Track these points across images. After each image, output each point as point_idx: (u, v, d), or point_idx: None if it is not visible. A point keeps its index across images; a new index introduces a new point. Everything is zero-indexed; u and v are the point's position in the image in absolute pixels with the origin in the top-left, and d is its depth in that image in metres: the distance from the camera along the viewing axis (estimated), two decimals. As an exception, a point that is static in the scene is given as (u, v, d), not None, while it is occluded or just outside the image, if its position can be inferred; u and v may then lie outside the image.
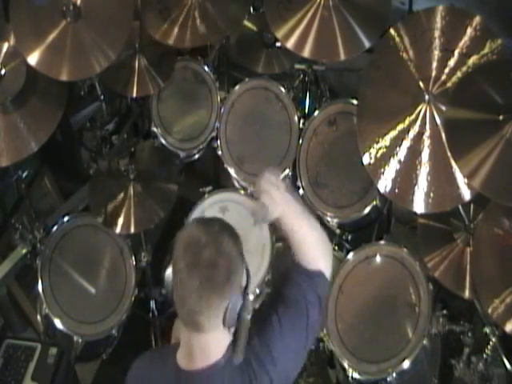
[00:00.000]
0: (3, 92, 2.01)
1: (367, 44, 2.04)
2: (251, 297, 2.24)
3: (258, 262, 2.26)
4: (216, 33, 2.25)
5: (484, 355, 1.98)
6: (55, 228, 2.41)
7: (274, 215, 1.53)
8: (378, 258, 2.09)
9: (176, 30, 2.23)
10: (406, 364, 1.94)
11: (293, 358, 1.44)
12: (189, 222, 1.34)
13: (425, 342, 1.94)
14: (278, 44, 2.56)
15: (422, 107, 1.78)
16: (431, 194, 1.75)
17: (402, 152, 1.79)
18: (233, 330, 1.38)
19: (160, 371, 1.45)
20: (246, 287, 1.37)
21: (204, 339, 1.35)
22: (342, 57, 2.06)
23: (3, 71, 2.01)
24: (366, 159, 1.85)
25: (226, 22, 2.23)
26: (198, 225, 1.37)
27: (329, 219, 2.32)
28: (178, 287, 1.32)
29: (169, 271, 1.36)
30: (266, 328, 1.42)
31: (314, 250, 1.54)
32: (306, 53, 2.09)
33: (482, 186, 1.59)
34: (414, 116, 1.79)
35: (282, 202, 1.52)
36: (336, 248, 2.42)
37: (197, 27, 2.22)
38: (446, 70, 1.76)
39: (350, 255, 2.13)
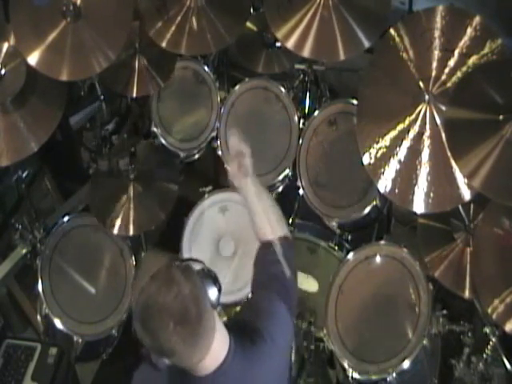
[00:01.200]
0: (3, 92, 2.01)
1: (367, 44, 2.04)
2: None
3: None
4: (214, 41, 2.23)
5: (484, 355, 1.98)
6: (55, 228, 2.42)
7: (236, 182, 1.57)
8: (378, 258, 2.09)
9: (171, 31, 2.22)
10: (406, 364, 1.94)
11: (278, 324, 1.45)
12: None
13: (425, 342, 1.94)
14: (278, 44, 2.55)
15: (422, 107, 1.78)
16: (431, 194, 1.74)
17: (401, 152, 1.79)
18: (218, 309, 1.36)
19: (168, 379, 1.41)
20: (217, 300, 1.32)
21: (207, 355, 1.31)
22: (342, 57, 2.06)
23: (3, 71, 2.01)
24: (366, 159, 1.85)
25: (225, 30, 2.22)
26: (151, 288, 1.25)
27: (329, 219, 2.32)
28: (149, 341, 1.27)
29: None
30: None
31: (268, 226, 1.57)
32: (306, 53, 2.09)
33: (482, 186, 1.59)
34: (413, 116, 1.79)
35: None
36: (336, 248, 2.42)
37: (194, 34, 2.21)
38: (446, 70, 1.76)
39: (350, 255, 2.13)
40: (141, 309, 1.25)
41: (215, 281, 1.32)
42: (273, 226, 1.58)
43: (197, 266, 1.32)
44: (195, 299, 1.24)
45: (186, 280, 1.24)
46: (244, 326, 1.41)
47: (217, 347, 1.32)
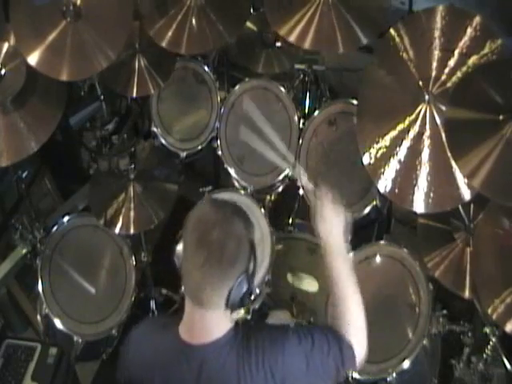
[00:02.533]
0: (3, 92, 2.01)
1: (365, 40, 2.05)
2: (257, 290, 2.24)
3: (258, 262, 2.26)
4: (214, 40, 2.23)
5: (484, 355, 1.98)
6: (55, 228, 2.42)
7: (317, 228, 1.57)
8: (378, 258, 2.09)
9: (171, 31, 2.22)
10: (406, 364, 1.94)
11: None
12: (203, 200, 1.37)
13: (425, 341, 1.94)
14: (278, 44, 2.56)
15: (422, 107, 1.78)
16: (431, 194, 1.74)
17: (402, 152, 1.79)
18: (235, 315, 1.40)
19: (161, 339, 1.46)
20: (253, 274, 1.38)
21: (205, 316, 1.37)
22: (341, 49, 2.06)
23: (3, 71, 2.01)
24: (366, 159, 1.85)
25: (225, 29, 2.21)
26: (211, 204, 1.40)
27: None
28: (185, 261, 1.35)
29: (180, 246, 1.40)
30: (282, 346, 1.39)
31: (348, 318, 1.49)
32: (307, 44, 2.09)
33: (482, 186, 1.59)
34: (413, 116, 1.79)
35: (330, 221, 1.56)
36: (336, 248, 2.42)
37: (194, 34, 2.21)
38: (446, 70, 1.76)
39: (350, 255, 2.13)
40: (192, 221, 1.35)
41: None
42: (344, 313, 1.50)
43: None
44: (239, 244, 1.32)
45: (243, 228, 1.35)
46: (260, 339, 1.41)
47: (217, 320, 1.37)
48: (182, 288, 1.40)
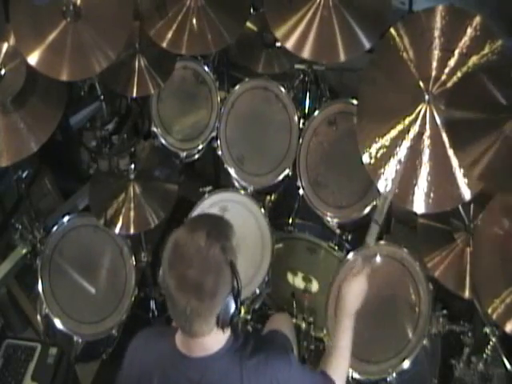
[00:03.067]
0: (3, 92, 2.01)
1: (367, 44, 2.04)
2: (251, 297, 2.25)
3: (258, 262, 2.27)
4: (214, 40, 2.22)
5: (484, 355, 1.98)
6: (55, 228, 2.42)
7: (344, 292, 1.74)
8: (378, 258, 2.09)
9: (171, 31, 2.21)
10: (406, 364, 1.94)
11: None
12: (177, 230, 1.37)
13: (425, 341, 1.94)
14: (278, 44, 2.55)
15: (422, 107, 1.77)
16: (431, 194, 1.74)
17: (402, 152, 1.79)
18: (228, 331, 1.42)
19: (158, 347, 1.48)
20: (238, 290, 1.38)
21: (198, 341, 1.40)
22: (342, 58, 2.06)
23: (3, 71, 2.01)
24: (366, 159, 1.85)
25: (225, 30, 2.21)
26: (184, 234, 1.37)
27: (329, 219, 2.32)
28: (168, 299, 1.37)
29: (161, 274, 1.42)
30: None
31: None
32: (306, 54, 2.09)
33: (480, 177, 1.59)
34: (413, 116, 1.78)
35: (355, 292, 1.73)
36: (336, 248, 2.42)
37: (194, 34, 2.21)
38: (446, 70, 1.76)
39: (350, 255, 2.13)
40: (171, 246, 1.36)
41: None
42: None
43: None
44: (218, 274, 1.33)
45: (220, 252, 1.35)
46: (258, 346, 1.45)
47: (212, 339, 1.40)
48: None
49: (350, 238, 2.43)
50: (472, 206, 1.91)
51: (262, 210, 2.37)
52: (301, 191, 2.37)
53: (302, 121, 2.41)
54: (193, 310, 1.32)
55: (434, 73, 1.77)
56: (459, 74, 1.74)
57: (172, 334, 1.46)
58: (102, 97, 2.42)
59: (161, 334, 1.54)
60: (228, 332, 1.43)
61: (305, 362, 2.31)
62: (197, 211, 2.39)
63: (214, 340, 1.41)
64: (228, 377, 1.40)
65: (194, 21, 2.22)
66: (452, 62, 1.75)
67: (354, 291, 1.74)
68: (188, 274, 1.30)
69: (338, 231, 2.40)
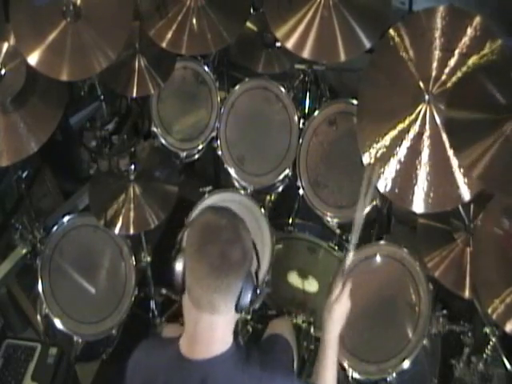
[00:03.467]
0: (3, 92, 2.01)
1: (367, 44, 2.04)
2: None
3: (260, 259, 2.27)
4: (214, 40, 2.22)
5: (484, 355, 1.98)
6: (55, 228, 2.42)
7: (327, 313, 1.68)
8: (378, 258, 2.09)
9: (171, 31, 2.21)
10: (406, 364, 1.94)
11: None
12: (200, 210, 1.39)
13: (425, 341, 1.94)
14: (278, 44, 2.55)
15: (422, 107, 1.77)
16: (431, 194, 1.74)
17: (402, 152, 1.79)
18: (231, 338, 1.41)
19: (161, 357, 1.47)
20: (257, 273, 1.40)
21: (212, 323, 1.37)
22: (343, 58, 2.06)
23: (3, 71, 2.01)
24: (366, 159, 1.85)
25: (225, 30, 2.21)
26: (212, 211, 1.41)
27: (329, 219, 2.32)
28: (193, 269, 1.34)
29: (179, 263, 1.41)
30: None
31: None
32: (306, 53, 2.09)
33: (480, 178, 1.59)
34: (413, 116, 1.78)
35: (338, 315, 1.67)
36: (336, 248, 2.42)
37: (194, 34, 2.21)
38: (446, 70, 1.76)
39: (350, 255, 2.13)
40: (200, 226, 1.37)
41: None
42: None
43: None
44: (244, 249, 1.35)
45: (246, 229, 1.37)
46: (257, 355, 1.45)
47: (224, 329, 1.39)
48: (186, 297, 1.39)
49: (350, 237, 2.43)
50: (472, 206, 1.91)
51: (262, 209, 2.36)
52: (301, 191, 2.37)
53: (301, 121, 2.41)
54: (216, 282, 1.32)
55: (434, 73, 1.77)
56: (459, 74, 1.74)
57: (175, 342, 1.45)
58: (102, 97, 2.42)
59: (162, 344, 1.54)
60: (231, 339, 1.42)
61: (304, 363, 2.31)
62: (197, 211, 2.39)
63: (224, 330, 1.39)
64: (232, 380, 1.40)
65: (194, 21, 2.21)
66: (452, 62, 1.75)
67: (337, 317, 1.68)
68: (222, 232, 1.33)
69: (337, 231, 2.41)
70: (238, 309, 1.37)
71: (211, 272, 1.31)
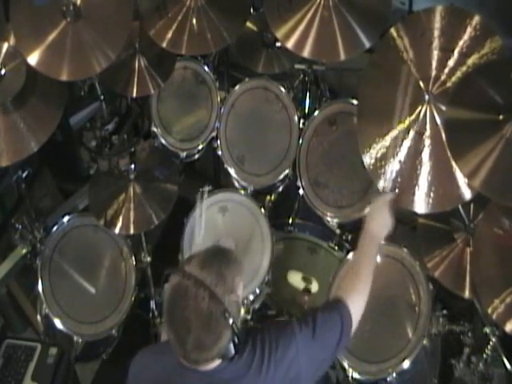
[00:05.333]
0: (3, 92, 2.00)
1: (367, 44, 2.04)
2: (251, 297, 2.25)
3: (258, 262, 2.27)
4: (214, 40, 2.22)
5: (484, 355, 1.98)
6: (55, 228, 2.42)
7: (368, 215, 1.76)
8: (378, 258, 2.09)
9: (171, 31, 2.21)
10: (406, 364, 1.94)
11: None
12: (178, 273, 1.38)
13: (425, 341, 1.94)
14: (278, 44, 2.55)
15: (422, 107, 1.78)
16: (431, 194, 1.75)
17: (402, 152, 1.80)
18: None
19: (162, 365, 1.47)
20: (237, 333, 1.37)
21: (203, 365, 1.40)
22: (342, 57, 2.06)
23: (3, 71, 2.01)
24: (367, 159, 1.85)
25: (225, 30, 2.20)
26: (186, 286, 1.33)
27: (329, 219, 2.32)
28: (171, 343, 1.37)
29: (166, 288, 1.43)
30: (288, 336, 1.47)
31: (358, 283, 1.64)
32: (306, 53, 2.09)
33: (481, 186, 1.59)
34: (414, 116, 1.79)
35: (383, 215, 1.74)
36: (336, 248, 2.42)
37: (194, 34, 2.21)
38: (446, 70, 1.76)
39: (350, 255, 2.13)
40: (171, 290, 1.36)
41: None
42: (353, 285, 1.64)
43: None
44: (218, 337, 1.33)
45: (214, 302, 1.32)
46: (261, 344, 1.46)
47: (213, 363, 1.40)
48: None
49: (350, 237, 2.43)
50: (472, 205, 1.91)
51: (262, 209, 2.37)
52: (301, 191, 2.37)
53: (302, 121, 2.41)
54: (192, 359, 1.36)
55: (433, 73, 1.77)
56: (459, 74, 1.74)
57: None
58: (102, 97, 2.42)
59: (163, 350, 1.53)
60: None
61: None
62: (197, 211, 2.40)
63: (216, 361, 1.41)
64: (239, 380, 1.41)
65: (194, 21, 2.21)
66: (452, 62, 1.75)
67: (384, 215, 1.74)
68: (188, 339, 1.32)
69: (338, 231, 2.41)
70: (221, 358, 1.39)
71: (185, 352, 1.34)
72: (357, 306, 1.58)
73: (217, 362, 1.40)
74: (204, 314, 1.30)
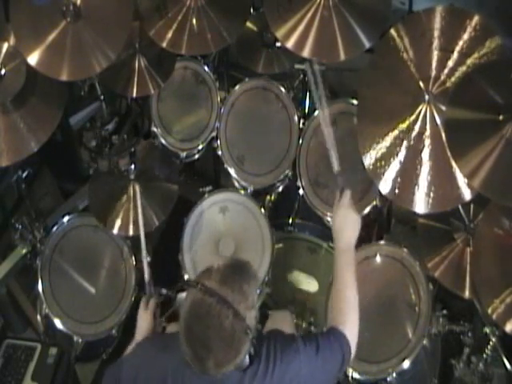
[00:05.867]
0: (3, 92, 2.00)
1: (367, 44, 2.04)
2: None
3: (258, 262, 2.27)
4: (214, 40, 2.22)
5: (484, 355, 1.98)
6: (55, 228, 2.42)
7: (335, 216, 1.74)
8: (378, 258, 2.09)
9: (171, 31, 2.20)
10: (406, 364, 1.94)
11: None
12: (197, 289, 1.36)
13: (425, 342, 1.94)
14: (278, 44, 2.55)
15: (422, 107, 1.78)
16: (431, 194, 1.75)
17: (402, 152, 1.79)
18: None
19: (166, 361, 1.47)
20: (256, 346, 1.38)
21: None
22: (342, 57, 2.06)
23: (3, 71, 2.01)
24: (367, 159, 1.85)
25: (225, 30, 2.20)
26: (207, 303, 1.32)
27: (329, 219, 2.32)
28: (183, 344, 1.36)
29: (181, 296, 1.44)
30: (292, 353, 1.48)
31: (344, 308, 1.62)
32: (306, 53, 2.09)
33: (481, 186, 1.59)
34: (414, 116, 1.79)
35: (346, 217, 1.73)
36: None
37: (194, 34, 2.20)
38: (446, 70, 1.76)
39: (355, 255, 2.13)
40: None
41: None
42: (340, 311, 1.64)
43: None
44: (237, 352, 1.34)
45: (235, 319, 1.31)
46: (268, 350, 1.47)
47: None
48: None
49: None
50: (472, 206, 1.91)
51: (262, 209, 2.37)
52: (301, 191, 2.37)
53: (301, 121, 2.41)
54: (208, 373, 1.35)
55: (433, 73, 1.77)
56: (459, 74, 1.74)
57: (177, 345, 1.42)
58: (102, 97, 2.42)
59: (164, 347, 1.53)
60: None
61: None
62: (197, 211, 2.40)
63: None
64: None
65: (194, 21, 2.21)
66: (452, 62, 1.75)
67: (349, 220, 1.71)
68: (209, 358, 1.31)
69: (338, 231, 2.40)
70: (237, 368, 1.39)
71: (196, 358, 1.33)
72: (352, 330, 1.59)
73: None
74: (227, 333, 1.30)
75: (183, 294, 1.43)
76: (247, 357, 1.37)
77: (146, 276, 2.11)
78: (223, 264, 1.41)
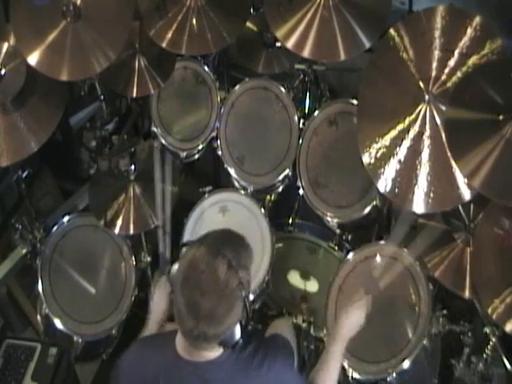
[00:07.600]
0: (3, 92, 2.01)
1: (367, 44, 2.04)
2: (251, 297, 2.25)
3: (258, 262, 2.27)
4: (214, 40, 2.22)
5: (484, 355, 1.98)
6: (55, 228, 2.42)
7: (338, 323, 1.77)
8: (378, 258, 2.09)
9: (171, 31, 2.21)
10: (406, 364, 1.94)
11: None
12: (192, 247, 1.41)
13: (425, 342, 1.94)
14: (278, 44, 2.55)
15: (422, 107, 1.78)
16: (431, 194, 1.75)
17: (402, 152, 1.79)
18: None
19: (158, 357, 1.48)
20: (246, 321, 1.40)
21: (200, 350, 1.41)
22: (342, 57, 2.06)
23: (3, 71, 2.01)
24: (366, 159, 1.85)
25: (225, 30, 2.21)
26: (203, 257, 1.36)
27: (329, 219, 2.32)
28: (177, 314, 1.38)
29: (174, 267, 1.46)
30: None
31: None
32: (306, 53, 2.09)
33: (481, 186, 1.59)
34: (414, 116, 1.79)
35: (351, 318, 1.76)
36: (336, 248, 2.42)
37: (194, 34, 2.21)
38: (446, 70, 1.76)
39: (350, 255, 2.13)
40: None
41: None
42: None
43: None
44: (230, 306, 1.34)
45: (231, 274, 1.34)
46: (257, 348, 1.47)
47: (211, 353, 1.41)
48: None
49: (350, 237, 2.43)
50: (472, 206, 1.91)
51: (262, 209, 2.37)
52: (301, 191, 2.37)
53: (301, 121, 2.41)
54: (200, 332, 1.33)
55: (433, 73, 1.77)
56: (459, 74, 1.74)
57: (170, 340, 1.46)
58: (102, 97, 2.42)
59: (158, 344, 1.53)
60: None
61: (304, 363, 2.31)
62: (197, 211, 2.40)
63: (216, 351, 1.42)
64: (234, 379, 1.42)
65: (194, 21, 2.22)
66: (452, 62, 1.75)
67: (353, 320, 1.76)
68: (201, 303, 1.31)
69: (338, 231, 2.40)
70: (221, 346, 1.39)
71: (191, 330, 1.34)
72: None
73: (217, 353, 1.40)
74: (220, 282, 1.32)
75: (175, 266, 1.50)
76: (237, 331, 1.37)
77: (161, 247, 2.07)
78: (221, 229, 1.50)
